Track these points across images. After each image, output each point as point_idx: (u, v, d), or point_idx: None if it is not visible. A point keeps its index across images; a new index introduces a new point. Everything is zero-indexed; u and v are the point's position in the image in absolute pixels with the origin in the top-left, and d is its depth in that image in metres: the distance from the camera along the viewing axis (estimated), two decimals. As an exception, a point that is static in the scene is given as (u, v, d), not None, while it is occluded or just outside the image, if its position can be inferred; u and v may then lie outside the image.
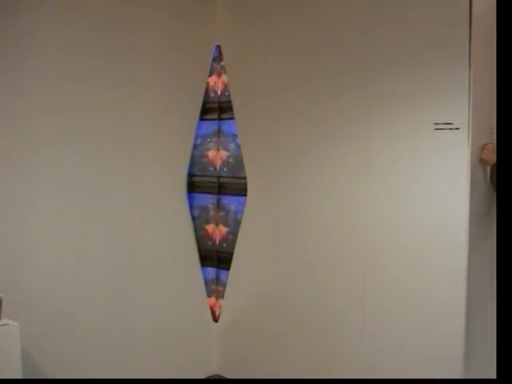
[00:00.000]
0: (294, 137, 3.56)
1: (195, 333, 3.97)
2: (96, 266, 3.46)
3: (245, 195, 3.82)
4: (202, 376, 3.99)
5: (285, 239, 3.64)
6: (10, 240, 3.13)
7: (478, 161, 2.94)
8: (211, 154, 4.02)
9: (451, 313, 2.92)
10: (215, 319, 4.06)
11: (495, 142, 2.92)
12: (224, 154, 3.97)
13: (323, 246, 3.43)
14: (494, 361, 2.47)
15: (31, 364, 3.14)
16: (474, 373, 2.92)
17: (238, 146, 3.87)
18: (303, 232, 3.54)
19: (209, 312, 4.04)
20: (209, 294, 4.05)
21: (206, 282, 4.06)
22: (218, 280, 4.06)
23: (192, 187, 4.02)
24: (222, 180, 3.98)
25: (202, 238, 4.07)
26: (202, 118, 4.00)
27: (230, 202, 3.97)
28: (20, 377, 2.81)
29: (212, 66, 3.99)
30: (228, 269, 3.95)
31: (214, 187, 4.00)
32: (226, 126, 3.96)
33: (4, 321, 2.79)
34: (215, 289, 4.07)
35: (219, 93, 3.99)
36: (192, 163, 4.01)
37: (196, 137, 4.00)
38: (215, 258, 4.04)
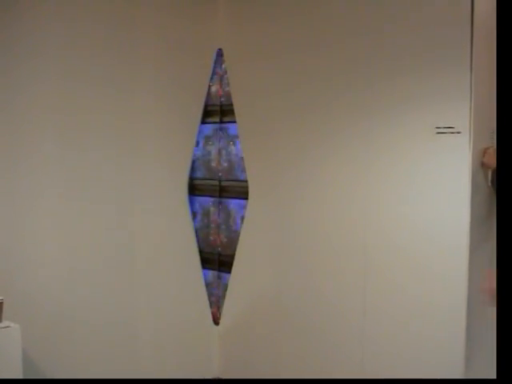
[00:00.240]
0: (296, 140, 3.56)
1: (196, 336, 3.96)
2: (97, 268, 3.46)
3: (246, 198, 3.83)
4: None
5: (286, 242, 3.64)
6: (10, 242, 3.14)
7: (480, 165, 2.94)
8: (213, 156, 4.02)
9: (452, 316, 2.92)
10: (216, 322, 4.05)
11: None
12: (225, 157, 3.98)
13: (324, 250, 3.43)
14: (495, 364, 2.47)
15: (32, 366, 3.14)
16: (475, 376, 2.91)
17: (240, 149, 3.88)
18: (304, 236, 3.53)
19: (209, 315, 4.04)
20: (210, 297, 4.05)
21: (207, 285, 4.06)
22: (218, 283, 4.06)
23: (193, 190, 4.03)
24: (223, 183, 3.98)
25: (203, 241, 4.07)
26: (203, 121, 4.01)
27: (231, 205, 3.97)
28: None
29: (214, 68, 3.99)
30: (229, 272, 3.95)
31: (215, 190, 4.01)
32: (227, 128, 3.96)
33: (5, 323, 2.80)
34: (216, 292, 4.07)
35: (221, 96, 3.99)
36: (193, 166, 4.02)
37: (198, 140, 4.01)
38: (216, 261, 4.05)
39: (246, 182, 3.82)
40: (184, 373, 3.86)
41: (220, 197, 4.01)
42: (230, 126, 3.94)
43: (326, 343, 3.44)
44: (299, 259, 3.56)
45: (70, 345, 3.35)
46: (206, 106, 4.01)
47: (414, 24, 3.04)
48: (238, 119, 3.86)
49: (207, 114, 4.01)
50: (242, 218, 3.87)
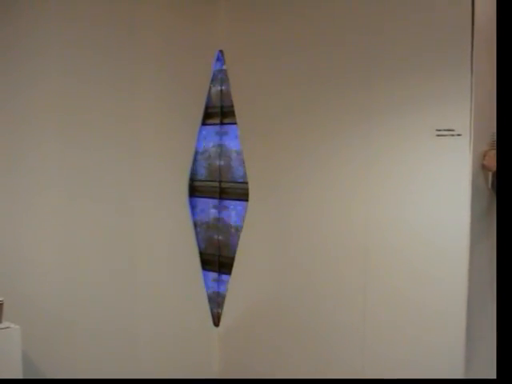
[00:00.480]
0: (296, 142, 3.56)
1: (196, 336, 3.96)
2: (97, 269, 3.47)
3: (246, 200, 3.83)
4: (202, 380, 4.00)
5: (286, 245, 3.64)
6: (10, 243, 3.14)
7: (480, 167, 2.94)
8: (213, 158, 4.02)
9: (452, 320, 2.92)
10: (216, 323, 4.06)
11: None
12: (226, 158, 3.98)
13: (324, 252, 3.43)
14: (495, 365, 2.47)
15: (32, 367, 3.14)
16: (475, 377, 2.91)
17: (240, 151, 3.88)
18: (304, 237, 3.53)
19: (209, 316, 4.04)
20: (209, 298, 4.05)
21: (207, 287, 4.06)
22: (219, 284, 4.06)
23: (194, 192, 4.03)
24: (223, 185, 3.98)
25: (203, 243, 4.08)
26: (204, 123, 4.01)
27: (231, 206, 3.97)
28: (20, 380, 2.83)
29: (214, 70, 4.00)
30: (229, 273, 3.95)
31: (215, 192, 4.01)
32: (227, 130, 3.96)
33: (5, 324, 2.80)
34: (216, 293, 4.07)
35: (221, 97, 3.99)
36: (194, 168, 4.02)
37: (198, 141, 4.01)
38: (216, 263, 4.05)
39: (247, 183, 3.82)
40: (184, 373, 3.85)
41: (220, 198, 4.01)
42: (231, 127, 3.94)
43: (326, 345, 3.44)
44: (299, 261, 3.56)
45: (69, 345, 3.35)
46: (207, 107, 4.01)
47: (415, 25, 3.04)
48: (238, 121, 3.86)
49: (208, 115, 4.01)
50: (243, 220, 3.87)
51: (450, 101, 2.92)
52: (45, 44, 3.21)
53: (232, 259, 3.93)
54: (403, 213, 3.10)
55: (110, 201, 3.51)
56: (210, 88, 4.01)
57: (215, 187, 4.01)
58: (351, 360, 3.32)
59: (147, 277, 3.70)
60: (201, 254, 4.04)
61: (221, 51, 3.97)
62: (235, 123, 3.88)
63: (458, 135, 2.90)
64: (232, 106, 3.90)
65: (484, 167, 2.94)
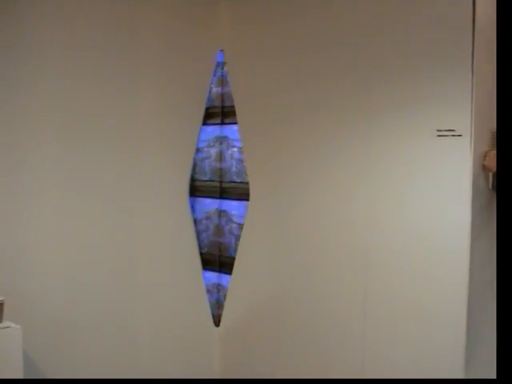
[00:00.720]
0: (297, 142, 3.56)
1: (196, 337, 3.96)
2: (98, 269, 3.47)
3: (247, 200, 3.83)
4: (202, 380, 4.00)
5: (287, 245, 3.64)
6: (11, 242, 3.14)
7: (481, 168, 2.94)
8: (214, 158, 4.02)
9: (453, 320, 2.92)
10: (216, 323, 4.06)
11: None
12: (226, 158, 3.98)
13: (324, 252, 3.43)
14: (495, 365, 2.47)
15: (32, 367, 3.15)
16: (475, 377, 2.92)
17: (241, 151, 3.88)
18: (305, 238, 3.53)
19: (210, 316, 4.04)
20: (210, 298, 4.06)
21: (208, 287, 4.06)
22: (219, 284, 4.06)
23: (194, 191, 4.04)
24: (224, 184, 3.99)
25: (203, 243, 4.08)
26: (204, 123, 4.01)
27: (232, 206, 3.97)
28: (21, 380, 2.83)
29: (215, 70, 4.00)
30: (230, 273, 3.95)
31: (216, 191, 4.01)
32: (228, 130, 3.97)
33: (5, 323, 2.80)
34: (217, 293, 4.07)
35: (222, 97, 3.99)
36: (195, 167, 4.02)
37: (199, 141, 4.02)
38: (217, 263, 4.05)
39: (247, 183, 3.83)
40: (184, 373, 3.86)
41: (221, 198, 4.01)
42: (231, 127, 3.94)
43: (327, 345, 3.44)
44: (300, 261, 3.56)
45: (70, 345, 3.35)
46: (208, 107, 4.01)
47: (416, 26, 3.04)
48: (239, 121, 3.86)
49: (208, 115, 4.02)
50: (243, 220, 3.87)
51: (451, 101, 2.92)
52: (45, 44, 3.21)
53: (232, 259, 3.94)
54: (403, 213, 3.10)
55: (110, 201, 3.51)
56: (211, 88, 4.01)
57: (216, 187, 4.01)
58: (351, 360, 3.33)
59: (147, 276, 3.70)
60: (201, 253, 4.04)
61: (222, 51, 3.97)
62: (236, 123, 3.89)
63: (459, 136, 2.90)
64: (233, 106, 3.90)
65: (484, 168, 2.94)
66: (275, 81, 3.67)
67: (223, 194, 3.99)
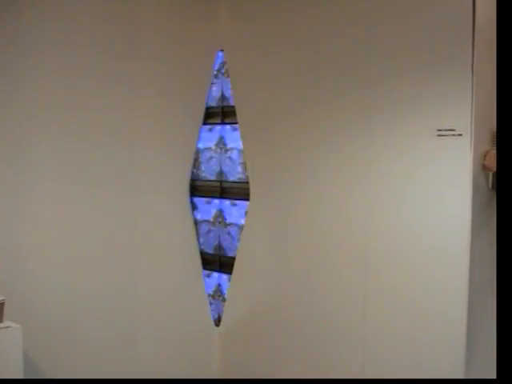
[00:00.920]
0: (297, 142, 3.56)
1: (196, 336, 3.97)
2: (98, 269, 3.47)
3: (247, 200, 3.83)
4: (203, 380, 4.00)
5: (287, 244, 3.64)
6: (11, 242, 3.15)
7: (481, 168, 2.94)
8: (214, 158, 4.02)
9: (453, 320, 2.91)
10: (217, 323, 4.06)
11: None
12: (227, 157, 3.98)
13: (324, 251, 3.43)
14: (495, 365, 2.47)
15: (33, 366, 3.15)
16: (475, 377, 2.92)
17: (241, 150, 3.88)
18: (305, 238, 3.53)
19: (210, 316, 4.04)
20: (210, 298, 4.06)
21: (208, 286, 4.06)
22: (219, 284, 4.06)
23: (194, 191, 4.04)
24: (224, 184, 3.99)
25: (204, 242, 4.08)
26: (205, 122, 4.01)
27: (232, 206, 3.97)
28: (21, 379, 2.83)
29: (215, 70, 4.00)
30: (230, 273, 3.95)
31: (216, 191, 4.01)
32: (228, 130, 3.97)
33: (6, 323, 2.81)
34: (217, 293, 4.07)
35: (222, 97, 3.99)
36: (195, 167, 4.02)
37: (199, 141, 4.02)
38: (217, 263, 4.05)
39: (248, 183, 3.83)
40: (184, 373, 3.86)
41: (221, 198, 4.01)
42: (232, 127, 3.94)
43: (327, 345, 3.44)
44: (300, 260, 3.56)
45: (70, 345, 3.36)
46: (208, 106, 4.01)
47: (416, 25, 3.03)
48: (239, 120, 3.86)
49: (209, 114, 4.02)
50: (243, 220, 3.87)
51: (451, 101, 2.92)
52: (45, 41, 3.21)
53: (233, 259, 3.94)
54: (403, 213, 3.10)
55: (110, 201, 3.51)
56: (211, 87, 4.01)
57: (216, 187, 4.01)
58: (351, 360, 3.32)
59: (147, 276, 3.71)
60: (201, 253, 4.04)
61: (222, 50, 3.97)
62: (236, 123, 3.89)
63: (459, 135, 2.89)
64: (233, 106, 3.90)
65: (484, 167, 2.94)
66: (275, 79, 3.67)
67: (223, 193, 3.99)
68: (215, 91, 4.02)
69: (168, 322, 3.81)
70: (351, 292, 3.31)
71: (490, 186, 2.98)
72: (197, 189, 4.04)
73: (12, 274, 3.13)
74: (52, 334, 3.28)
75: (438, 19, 2.96)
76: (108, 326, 3.52)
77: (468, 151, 2.88)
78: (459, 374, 2.89)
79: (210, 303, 4.05)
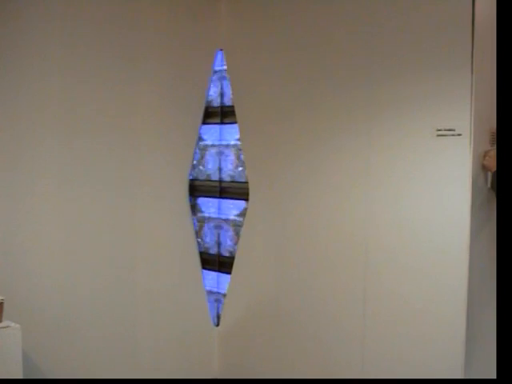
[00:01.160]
0: (296, 141, 3.56)
1: (196, 336, 3.96)
2: (98, 269, 3.47)
3: (246, 200, 3.83)
4: (202, 380, 4.00)
5: (286, 244, 3.64)
6: (11, 242, 3.14)
7: (480, 167, 2.94)
8: (213, 157, 4.02)
9: (453, 320, 2.92)
10: (216, 323, 4.06)
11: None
12: (226, 157, 3.98)
13: (324, 252, 3.43)
14: (495, 365, 2.47)
15: (32, 366, 3.15)
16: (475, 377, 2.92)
17: (240, 151, 3.88)
18: (304, 237, 3.54)
19: (210, 316, 4.04)
20: (210, 298, 4.06)
21: (208, 286, 4.06)
22: (219, 284, 4.06)
23: (194, 191, 4.04)
24: (223, 184, 3.99)
25: (203, 242, 4.08)
26: (204, 122, 4.01)
27: (231, 205, 3.97)
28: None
29: (214, 69, 4.00)
30: (229, 273, 3.95)
31: (215, 191, 4.01)
32: (228, 130, 3.97)
33: (5, 323, 2.80)
34: (216, 293, 4.07)
35: (221, 96, 3.99)
36: (194, 167, 4.02)
37: (198, 141, 4.02)
38: (216, 262, 4.05)
39: (247, 183, 3.83)
40: (184, 373, 3.86)
41: (220, 197, 4.01)
42: (231, 127, 3.94)
43: (326, 345, 3.44)
44: (299, 260, 3.56)
45: (70, 345, 3.35)
46: (207, 106, 4.01)
47: (416, 25, 3.04)
48: (238, 120, 3.86)
49: (208, 114, 4.02)
50: (243, 219, 3.87)
51: (451, 101, 2.93)
52: (46, 41, 3.20)
53: (232, 259, 3.94)
54: (403, 212, 3.10)
55: (110, 201, 3.51)
56: (211, 87, 4.01)
57: (215, 186, 4.01)
58: (351, 360, 3.33)
59: (147, 276, 3.70)
60: (201, 253, 4.04)
61: (221, 50, 3.97)
62: (235, 122, 3.88)
63: (459, 135, 2.90)
64: (232, 105, 3.90)
65: (484, 167, 2.94)
66: (275, 79, 3.67)
67: (223, 193, 3.99)
68: (214, 91, 4.01)
69: (168, 322, 3.81)
70: (351, 292, 3.31)
71: (490, 186, 2.98)
72: (196, 188, 4.04)
73: (11, 273, 3.13)
74: (51, 333, 3.28)
75: (438, 19, 2.96)
76: (108, 325, 3.52)
77: (467, 151, 2.88)
78: (459, 374, 2.90)
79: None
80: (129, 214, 3.61)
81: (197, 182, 4.04)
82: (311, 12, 3.48)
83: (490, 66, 2.90)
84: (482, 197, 2.96)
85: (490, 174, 2.97)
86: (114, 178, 3.53)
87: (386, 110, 3.17)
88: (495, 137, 2.98)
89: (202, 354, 4.00)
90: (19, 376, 2.81)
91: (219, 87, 4.01)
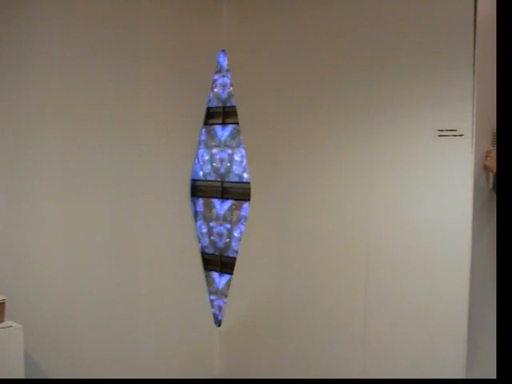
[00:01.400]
0: (298, 142, 3.56)
1: (198, 336, 3.97)
2: (99, 269, 3.47)
3: (248, 200, 3.83)
4: (204, 380, 4.00)
5: (288, 245, 3.64)
6: (12, 241, 3.15)
7: (482, 168, 2.93)
8: (215, 158, 4.02)
9: (453, 320, 2.92)
10: (218, 323, 4.06)
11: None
12: (228, 158, 3.98)
13: (325, 252, 3.43)
14: (495, 365, 2.47)
15: (34, 366, 3.15)
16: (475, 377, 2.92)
17: (242, 151, 3.88)
18: (306, 238, 3.53)
19: (211, 316, 4.05)
20: (211, 298, 4.06)
21: (209, 286, 4.06)
22: (220, 284, 4.06)
23: (196, 191, 4.04)
24: (225, 184, 3.99)
25: (205, 243, 4.08)
26: (206, 122, 4.02)
27: (233, 206, 3.97)
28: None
29: (216, 69, 4.00)
30: (231, 273, 3.95)
31: (217, 191, 4.01)
32: (229, 130, 3.97)
33: (7, 323, 2.81)
34: (218, 293, 4.07)
35: (223, 97, 4.00)
36: (196, 167, 4.03)
37: (200, 141, 4.02)
38: (218, 263, 4.05)
39: (249, 183, 3.83)
40: (185, 373, 3.86)
41: (222, 198, 4.01)
42: (233, 127, 3.94)
43: (327, 345, 3.44)
44: (301, 260, 3.56)
45: (71, 344, 3.36)
46: (209, 107, 4.01)
47: (418, 25, 3.04)
48: (240, 120, 3.86)
49: (210, 115, 4.02)
50: (244, 220, 3.88)
51: (453, 101, 2.93)
52: (47, 41, 3.21)
53: (234, 259, 3.94)
54: (405, 212, 3.10)
55: (111, 201, 3.51)
56: (212, 87, 4.02)
57: (217, 187, 4.01)
58: (352, 360, 3.32)
59: (148, 276, 3.71)
60: (203, 253, 4.05)
61: (223, 51, 3.97)
62: (237, 123, 3.89)
63: (460, 136, 2.90)
64: (234, 106, 3.90)
65: (486, 168, 2.94)
66: (277, 80, 3.67)
67: (225, 193, 4.00)
68: (216, 91, 4.02)
69: (169, 322, 3.81)
70: (352, 292, 3.31)
71: (491, 187, 2.98)
72: (198, 189, 4.05)
73: (13, 273, 3.13)
74: (53, 333, 3.28)
75: (440, 20, 2.96)
76: (109, 325, 3.52)
77: (469, 151, 2.88)
78: (459, 374, 2.89)
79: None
80: (130, 215, 3.62)
81: (198, 183, 4.05)
82: (313, 12, 3.48)
83: (492, 67, 2.89)
84: (483, 197, 2.95)
85: (491, 175, 2.97)
86: (115, 178, 3.53)
87: (387, 110, 3.17)
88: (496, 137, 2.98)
89: (203, 354, 4.00)
90: (21, 376, 2.81)
91: (221, 87, 4.01)
